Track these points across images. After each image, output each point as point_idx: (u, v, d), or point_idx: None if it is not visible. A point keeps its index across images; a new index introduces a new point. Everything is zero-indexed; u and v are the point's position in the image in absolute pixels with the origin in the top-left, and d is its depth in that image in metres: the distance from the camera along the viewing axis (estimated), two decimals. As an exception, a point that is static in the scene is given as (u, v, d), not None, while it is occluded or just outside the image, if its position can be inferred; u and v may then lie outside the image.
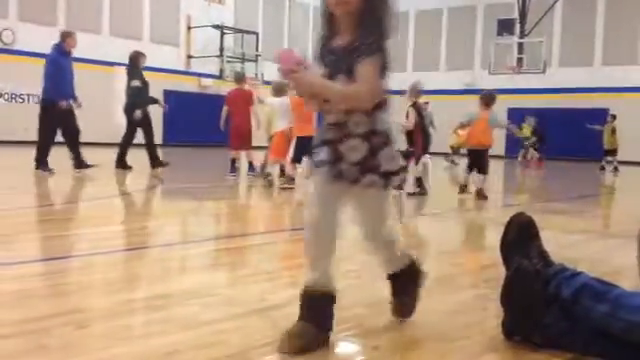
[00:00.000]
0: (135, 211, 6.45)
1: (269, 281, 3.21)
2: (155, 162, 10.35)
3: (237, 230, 5.39)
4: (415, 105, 8.35)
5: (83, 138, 9.63)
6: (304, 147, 7.69)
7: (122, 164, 10.21)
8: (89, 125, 10.28)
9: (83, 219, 5.44)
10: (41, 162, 9.26)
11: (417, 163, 8.30)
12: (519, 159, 20.67)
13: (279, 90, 8.84)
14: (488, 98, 8.69)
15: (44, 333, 2.25)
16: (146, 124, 10.32)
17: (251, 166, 10.02)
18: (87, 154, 9.57)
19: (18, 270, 3.25)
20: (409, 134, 8.29)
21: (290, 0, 27.22)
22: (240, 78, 10.37)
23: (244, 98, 9.77)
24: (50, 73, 9.46)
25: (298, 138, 8.19)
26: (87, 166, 9.45)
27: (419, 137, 8.37)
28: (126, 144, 10.39)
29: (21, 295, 2.78)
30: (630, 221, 6.99)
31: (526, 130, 20.16)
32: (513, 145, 21.50)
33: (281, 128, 8.64)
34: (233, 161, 9.79)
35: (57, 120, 9.32)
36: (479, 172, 8.22)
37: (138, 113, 10.15)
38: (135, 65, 10.40)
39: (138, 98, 10.27)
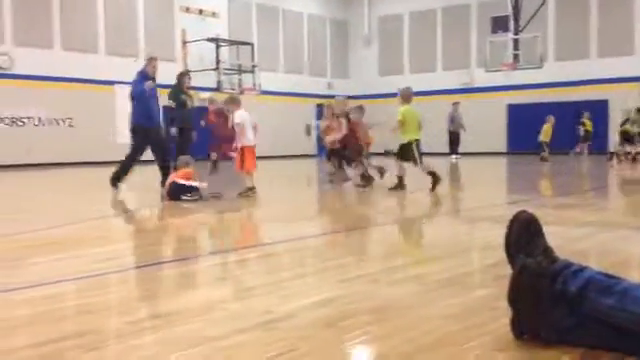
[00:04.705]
0: (139, 229, 6.46)
1: (274, 293, 3.20)
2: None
3: (239, 243, 5.40)
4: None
5: (86, 157, 9.68)
6: None
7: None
8: (90, 144, 10.29)
9: (86, 240, 5.45)
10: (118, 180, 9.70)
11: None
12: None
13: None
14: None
15: (56, 357, 2.25)
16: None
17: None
18: (91, 173, 9.58)
19: (27, 294, 3.25)
20: None
21: (283, 10, 27.28)
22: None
23: None
24: (134, 97, 9.81)
25: None
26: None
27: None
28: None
29: (30, 320, 2.79)
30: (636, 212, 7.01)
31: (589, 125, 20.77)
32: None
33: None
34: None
35: (144, 142, 9.73)
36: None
37: (173, 131, 11.08)
38: (177, 84, 11.06)
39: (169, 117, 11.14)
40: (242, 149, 8.69)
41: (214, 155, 13.15)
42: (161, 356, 2.25)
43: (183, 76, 11.27)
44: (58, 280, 3.58)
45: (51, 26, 19.77)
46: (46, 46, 19.53)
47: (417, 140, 9.32)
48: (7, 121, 18.80)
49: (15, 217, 7.07)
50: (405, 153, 9.28)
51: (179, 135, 10.99)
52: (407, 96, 9.55)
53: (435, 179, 8.90)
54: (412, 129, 9.31)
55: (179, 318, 2.75)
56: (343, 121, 10.38)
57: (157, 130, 9.90)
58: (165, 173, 9.44)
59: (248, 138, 8.74)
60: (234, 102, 9.03)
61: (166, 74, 21.98)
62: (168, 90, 11.43)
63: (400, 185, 9.17)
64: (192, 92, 11.84)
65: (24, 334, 2.59)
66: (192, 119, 10.98)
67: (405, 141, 9.30)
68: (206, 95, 18.63)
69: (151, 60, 10.03)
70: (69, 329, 2.61)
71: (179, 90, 11.16)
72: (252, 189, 8.64)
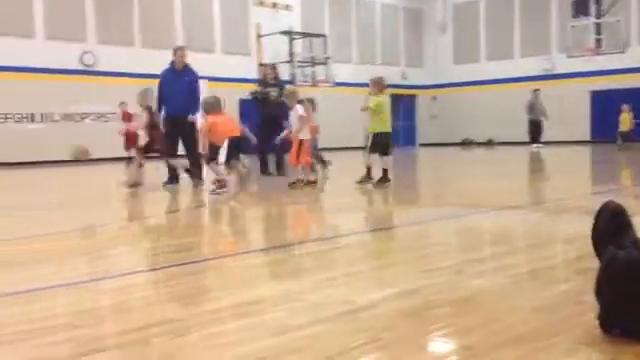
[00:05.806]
0: (217, 220, 6.60)
1: (354, 283, 3.21)
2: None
3: (316, 234, 5.43)
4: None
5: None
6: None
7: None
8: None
9: (166, 230, 5.61)
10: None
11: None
12: None
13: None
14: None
15: (143, 344, 2.33)
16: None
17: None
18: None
19: (114, 283, 3.38)
20: None
21: (356, 0, 27.18)
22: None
23: None
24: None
25: None
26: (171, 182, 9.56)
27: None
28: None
29: (118, 308, 2.90)
30: None
31: None
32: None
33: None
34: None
35: (171, 134, 9.54)
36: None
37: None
38: (261, 78, 11.18)
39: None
40: (301, 142, 8.76)
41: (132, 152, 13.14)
42: (245, 343, 2.29)
43: (265, 68, 11.31)
44: (139, 270, 3.70)
45: (131, 23, 20.42)
46: (127, 43, 20.20)
47: (388, 133, 8.97)
48: (93, 117, 19.58)
49: (102, 209, 7.35)
50: (376, 145, 8.87)
51: (263, 128, 10.73)
52: (382, 86, 9.03)
53: (385, 178, 8.67)
54: (384, 121, 8.94)
55: (259, 307, 2.79)
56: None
57: (181, 121, 9.54)
58: (196, 166, 9.36)
59: (305, 132, 8.83)
60: (297, 95, 9.19)
61: (241, 68, 22.42)
62: (255, 84, 11.55)
63: (385, 178, 8.72)
64: (290, 87, 11.08)
65: (111, 322, 2.70)
66: (277, 112, 10.65)
67: (377, 132, 8.87)
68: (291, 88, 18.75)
69: (177, 50, 9.76)
70: (153, 317, 2.69)
71: (264, 83, 11.19)
72: (314, 182, 8.76)
